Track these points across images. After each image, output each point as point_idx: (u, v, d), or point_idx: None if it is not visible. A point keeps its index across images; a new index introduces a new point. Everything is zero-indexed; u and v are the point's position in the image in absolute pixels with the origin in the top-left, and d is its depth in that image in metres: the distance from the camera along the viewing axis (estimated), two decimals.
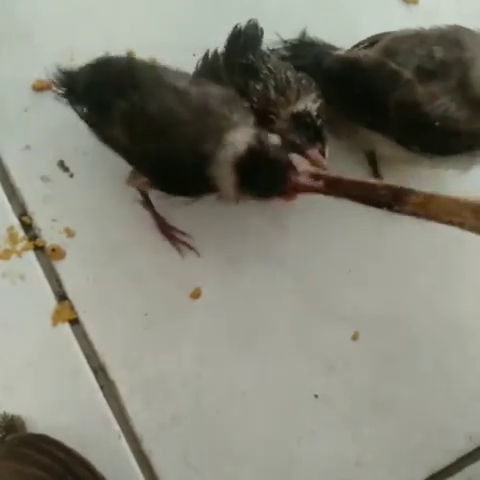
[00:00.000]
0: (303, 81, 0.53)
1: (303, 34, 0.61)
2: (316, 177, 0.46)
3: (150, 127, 0.49)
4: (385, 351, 0.57)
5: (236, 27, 0.57)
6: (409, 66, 0.51)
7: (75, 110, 0.53)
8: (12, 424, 0.51)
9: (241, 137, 0.47)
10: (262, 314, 0.57)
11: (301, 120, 0.51)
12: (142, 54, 0.59)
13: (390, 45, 0.53)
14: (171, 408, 0.55)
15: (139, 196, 0.56)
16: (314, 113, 0.51)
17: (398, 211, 0.45)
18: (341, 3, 0.66)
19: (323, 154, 0.51)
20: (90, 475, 0.45)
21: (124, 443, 0.54)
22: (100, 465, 0.49)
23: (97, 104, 0.51)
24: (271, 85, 0.53)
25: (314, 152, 0.50)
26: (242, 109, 0.50)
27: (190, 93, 0.49)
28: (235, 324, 0.57)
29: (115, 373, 0.55)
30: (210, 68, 0.57)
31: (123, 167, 0.54)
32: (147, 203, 0.56)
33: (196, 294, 0.57)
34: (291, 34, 0.60)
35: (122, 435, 0.54)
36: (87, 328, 0.55)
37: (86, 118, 0.53)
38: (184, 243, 0.57)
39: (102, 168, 0.58)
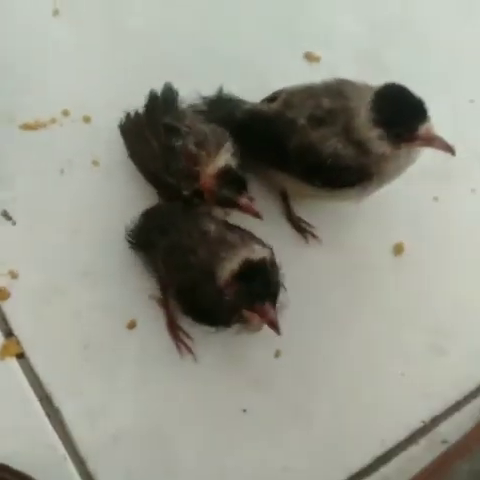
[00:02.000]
0: (217, 131, 0.61)
1: (220, 90, 0.69)
2: None
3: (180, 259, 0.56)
4: (304, 366, 0.64)
5: (152, 91, 0.65)
6: (302, 115, 0.59)
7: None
8: None
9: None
10: (192, 336, 0.63)
11: (226, 176, 0.58)
12: (77, 113, 0.67)
13: (287, 98, 0.62)
14: (113, 430, 0.60)
15: (157, 294, 0.63)
16: (236, 166, 0.58)
17: None
18: (252, 62, 0.75)
19: (251, 200, 0.58)
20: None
21: (70, 465, 0.58)
22: None
23: (144, 243, 0.61)
24: (191, 140, 0.60)
25: (245, 201, 0.57)
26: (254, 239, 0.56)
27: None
28: (167, 347, 0.62)
29: (59, 401, 0.60)
30: (134, 127, 0.65)
31: (62, 217, 0.62)
32: (164, 303, 0.63)
33: (132, 324, 0.63)
34: (209, 91, 0.69)
35: (68, 458, 0.58)
36: (32, 361, 0.60)
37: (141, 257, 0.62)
38: (185, 345, 0.63)
39: (43, 216, 0.65)
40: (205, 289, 0.54)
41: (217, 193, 0.57)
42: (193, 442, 0.61)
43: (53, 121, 0.68)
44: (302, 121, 0.59)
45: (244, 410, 0.62)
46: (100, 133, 0.68)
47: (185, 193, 0.59)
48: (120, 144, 0.68)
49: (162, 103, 0.64)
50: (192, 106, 0.68)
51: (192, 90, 0.67)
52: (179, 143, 0.59)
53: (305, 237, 0.68)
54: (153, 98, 0.65)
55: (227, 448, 0.61)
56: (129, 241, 0.62)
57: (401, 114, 0.56)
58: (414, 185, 0.70)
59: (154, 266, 0.61)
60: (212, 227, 0.57)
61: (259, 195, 0.68)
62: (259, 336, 0.62)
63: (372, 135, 0.57)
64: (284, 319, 0.62)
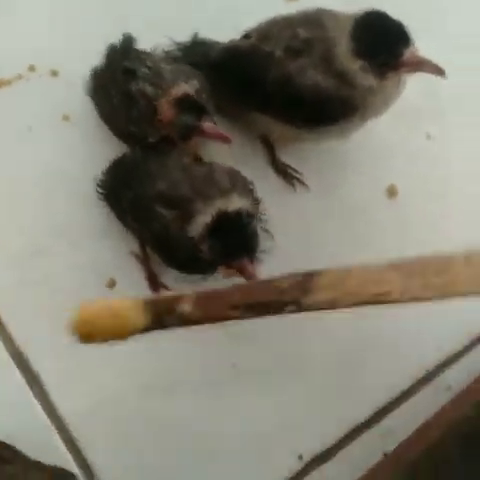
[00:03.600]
0: (184, 70, 0.57)
1: (195, 36, 0.65)
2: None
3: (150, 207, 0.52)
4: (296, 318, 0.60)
5: (111, 43, 0.61)
6: (279, 46, 0.55)
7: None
8: None
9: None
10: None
11: (183, 102, 0.54)
12: (44, 67, 0.64)
13: (262, 30, 0.58)
14: (97, 394, 0.57)
15: (137, 250, 0.60)
16: (194, 93, 0.54)
17: (308, 308, 0.35)
18: (229, 6, 0.71)
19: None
20: (15, 455, 0.46)
21: (54, 432, 0.56)
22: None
23: (112, 195, 0.58)
24: (147, 82, 0.56)
25: (208, 126, 0.54)
26: (243, 181, 0.53)
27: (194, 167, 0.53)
28: None
29: (39, 367, 0.57)
30: (97, 79, 0.61)
31: (33, 175, 0.60)
32: (144, 258, 0.59)
33: (111, 283, 0.60)
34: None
35: (51, 425, 0.56)
36: (10, 326, 0.58)
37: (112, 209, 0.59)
38: None
39: (15, 176, 0.62)
40: (179, 239, 0.50)
41: (177, 123, 0.53)
42: (183, 401, 0.57)
43: (19, 77, 0.65)
44: (279, 53, 0.55)
45: (234, 364, 0.59)
46: (70, 87, 0.64)
47: (151, 140, 0.56)
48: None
49: (120, 52, 0.60)
50: (166, 53, 0.64)
51: (166, 37, 0.64)
52: (136, 87, 0.56)
53: (292, 184, 0.64)
54: (112, 49, 0.61)
55: (218, 405, 0.58)
56: (100, 193, 0.59)
57: (383, 41, 0.52)
58: (405, 124, 0.66)
59: (124, 220, 0.57)
60: (181, 174, 0.53)
61: (242, 143, 0.65)
62: None
63: (355, 67, 0.53)
64: (274, 268, 0.59)
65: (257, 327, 0.58)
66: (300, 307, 0.33)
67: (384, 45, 0.52)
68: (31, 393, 0.57)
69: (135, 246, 0.60)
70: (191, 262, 0.51)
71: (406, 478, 0.49)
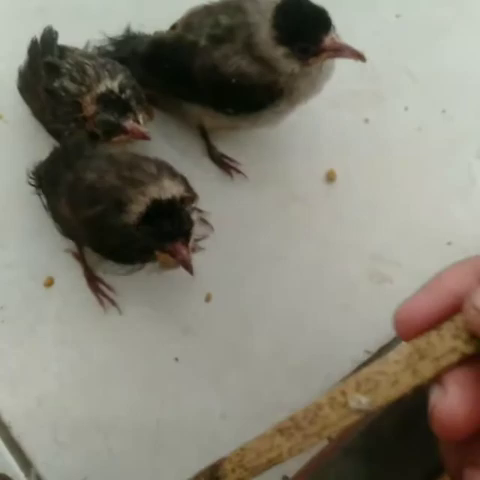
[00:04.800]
0: (108, 66, 0.56)
1: (127, 30, 0.65)
2: None
3: (84, 195, 0.52)
4: (238, 308, 0.60)
5: (32, 38, 0.60)
6: (202, 35, 0.55)
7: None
8: None
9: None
10: (114, 286, 0.60)
11: (106, 99, 0.54)
12: None
13: (186, 20, 0.57)
14: (36, 392, 0.56)
15: (73, 248, 0.59)
16: (117, 89, 0.54)
17: None
18: None
19: (138, 122, 0.54)
20: None
21: None
22: None
23: (49, 182, 0.56)
24: (70, 78, 0.56)
25: (130, 123, 0.54)
26: (168, 168, 0.52)
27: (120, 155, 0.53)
28: (89, 303, 0.59)
29: None
30: (24, 77, 0.61)
31: None
32: (80, 255, 0.59)
33: (49, 282, 0.59)
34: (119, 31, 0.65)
35: None
36: None
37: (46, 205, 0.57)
38: (107, 297, 0.59)
39: None
40: (112, 228, 0.50)
41: (99, 120, 0.53)
42: (125, 398, 0.57)
43: None
44: (203, 42, 0.55)
45: (176, 359, 0.58)
46: (3, 84, 0.64)
47: (77, 137, 0.55)
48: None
49: (42, 46, 0.59)
50: (98, 48, 0.64)
51: (99, 31, 0.63)
52: (59, 84, 0.55)
53: (229, 173, 0.64)
54: (33, 44, 0.60)
55: (162, 400, 0.57)
56: (33, 184, 0.58)
57: (303, 28, 0.52)
58: (343, 109, 0.67)
59: (59, 213, 0.56)
60: (113, 164, 0.52)
61: (179, 134, 0.65)
62: (187, 281, 0.58)
63: (277, 54, 0.53)
64: (213, 260, 0.59)
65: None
66: None
67: (304, 31, 0.52)
68: None
69: (71, 244, 0.60)
70: (126, 250, 0.50)
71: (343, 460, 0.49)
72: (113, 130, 0.53)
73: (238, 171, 0.64)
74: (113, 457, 0.56)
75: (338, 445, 0.53)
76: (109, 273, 0.56)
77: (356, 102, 0.67)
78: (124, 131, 0.53)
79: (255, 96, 0.54)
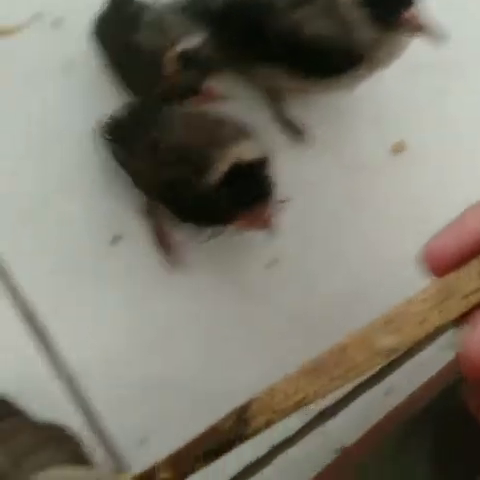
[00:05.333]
0: (187, 23, 0.55)
1: None
2: None
3: (166, 156, 0.51)
4: (302, 275, 0.60)
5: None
6: None
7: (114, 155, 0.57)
8: None
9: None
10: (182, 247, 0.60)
11: (188, 58, 0.53)
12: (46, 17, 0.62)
13: None
14: (102, 347, 0.57)
15: (143, 205, 0.59)
16: (197, 47, 0.53)
17: (250, 436, 0.36)
18: None
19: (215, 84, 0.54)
20: (7, 412, 0.47)
21: (58, 383, 0.56)
22: (36, 405, 0.53)
23: (123, 140, 0.55)
24: (153, 32, 0.55)
25: (208, 86, 0.53)
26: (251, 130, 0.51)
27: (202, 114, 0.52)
28: (156, 262, 0.59)
29: (45, 319, 0.57)
30: (102, 32, 0.60)
31: (31, 128, 0.59)
32: (150, 213, 0.59)
33: (116, 239, 0.60)
34: None
35: (55, 376, 0.56)
36: (14, 277, 0.57)
37: (117, 160, 0.56)
38: (174, 258, 0.59)
39: (9, 129, 0.60)
40: (194, 189, 0.49)
41: (178, 80, 0.52)
42: (189, 358, 0.58)
43: (22, 26, 0.63)
44: (280, 4, 0.54)
45: (239, 322, 0.59)
46: (73, 37, 0.63)
47: (154, 93, 0.55)
48: (92, 50, 0.63)
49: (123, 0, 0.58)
50: (166, 6, 0.62)
51: None
52: (140, 37, 0.54)
53: (297, 139, 0.63)
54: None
55: (227, 362, 0.58)
56: (104, 137, 0.57)
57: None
58: (419, 78, 0.65)
59: (135, 169, 0.55)
60: (196, 122, 0.52)
61: (247, 97, 0.64)
62: (254, 244, 0.59)
63: (357, 18, 0.51)
64: (280, 224, 0.59)
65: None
66: (244, 438, 0.35)
67: (387, 1, 0.51)
68: (35, 345, 0.57)
69: (140, 201, 0.60)
70: (205, 214, 0.50)
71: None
72: (192, 90, 0.53)
73: (306, 136, 0.63)
74: (175, 417, 0.56)
75: (398, 417, 0.53)
76: (183, 236, 0.56)
77: (434, 72, 0.65)
78: (202, 92, 0.52)
79: (333, 60, 0.53)
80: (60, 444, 0.42)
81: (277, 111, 0.63)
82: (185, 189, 0.50)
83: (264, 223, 0.47)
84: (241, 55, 0.59)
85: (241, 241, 0.59)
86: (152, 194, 0.56)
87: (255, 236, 0.55)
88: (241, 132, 0.50)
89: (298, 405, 0.32)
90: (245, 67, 0.60)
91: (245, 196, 0.47)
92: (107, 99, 0.61)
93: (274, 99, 0.63)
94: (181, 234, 0.59)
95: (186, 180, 0.50)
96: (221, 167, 0.47)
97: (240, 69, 0.62)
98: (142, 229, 0.60)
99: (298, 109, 0.64)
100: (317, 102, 0.64)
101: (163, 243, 0.59)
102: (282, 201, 0.52)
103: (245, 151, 0.48)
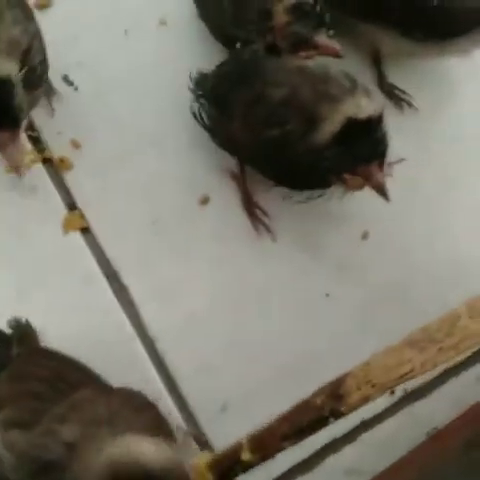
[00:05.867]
0: None
1: None
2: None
3: (270, 112, 0.48)
4: (394, 250, 0.57)
5: None
6: None
7: (200, 115, 0.54)
8: (26, 332, 0.51)
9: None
10: (272, 218, 0.57)
11: (300, 10, 0.50)
12: None
13: None
14: (185, 309, 0.55)
15: (232, 167, 0.56)
16: (312, 1, 0.50)
17: (346, 412, 0.36)
18: None
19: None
20: (85, 378, 0.44)
21: (139, 345, 0.54)
22: (115, 368, 0.50)
23: (220, 98, 0.52)
24: None
25: (322, 38, 0.50)
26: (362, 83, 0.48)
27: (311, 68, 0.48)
28: (243, 225, 0.57)
29: (128, 278, 0.55)
30: None
31: (126, 81, 0.57)
32: (240, 175, 0.56)
33: (204, 200, 0.57)
34: None
35: (136, 337, 0.54)
36: (98, 236, 0.56)
37: (209, 118, 0.53)
38: (263, 223, 0.56)
39: (106, 82, 0.59)
40: (299, 148, 0.46)
41: (290, 32, 0.49)
42: (272, 326, 0.55)
43: None
44: None
45: (327, 294, 0.56)
46: None
47: (256, 47, 0.52)
48: (190, 1, 0.60)
49: None
50: None
51: None
52: None
53: (400, 106, 0.59)
54: None
55: (310, 333, 0.55)
56: (195, 94, 0.54)
57: None
58: None
59: (228, 127, 0.52)
60: (303, 76, 0.48)
61: (347, 60, 0.60)
62: (346, 214, 0.56)
63: None
64: (369, 197, 0.55)
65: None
66: (339, 415, 0.34)
67: None
68: (118, 304, 0.55)
69: (229, 162, 0.57)
70: (308, 174, 0.47)
71: None
72: (303, 44, 0.49)
73: (409, 104, 0.59)
74: (254, 385, 0.54)
75: None
76: (273, 199, 0.54)
77: None
78: (315, 46, 0.49)
79: (458, 21, 0.49)
80: (137, 411, 0.40)
81: (379, 76, 0.60)
82: (289, 147, 0.47)
83: (377, 184, 0.44)
84: (350, 12, 0.56)
85: (333, 210, 0.56)
86: (244, 154, 0.53)
87: (350, 204, 0.52)
88: (353, 87, 0.47)
89: (402, 378, 0.30)
90: (352, 26, 0.57)
91: (361, 154, 0.44)
92: (202, 55, 0.59)
93: (377, 63, 0.60)
94: (271, 198, 0.56)
95: (291, 138, 0.47)
96: (332, 123, 0.44)
97: (345, 28, 0.58)
98: (230, 191, 0.58)
99: (401, 75, 0.60)
100: (420, 68, 0.61)
101: (250, 208, 0.57)
102: (394, 162, 0.48)
103: (359, 107, 0.44)
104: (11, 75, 0.43)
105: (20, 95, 0.43)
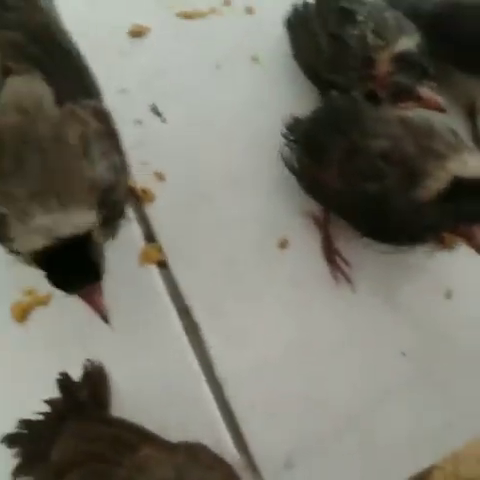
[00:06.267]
0: (402, 22, 0.51)
1: None
2: None
3: (370, 165, 0.47)
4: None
5: None
6: None
7: (289, 159, 0.54)
8: (97, 375, 0.49)
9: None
10: (352, 267, 0.55)
11: (404, 60, 0.49)
12: (239, 3, 0.59)
13: None
14: (255, 354, 0.53)
15: (314, 211, 0.55)
16: (416, 49, 0.49)
17: None
18: None
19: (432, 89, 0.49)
20: (143, 438, 0.42)
21: (204, 386, 0.53)
22: (179, 407, 0.50)
23: (314, 144, 0.51)
24: (368, 28, 0.51)
25: (426, 91, 0.48)
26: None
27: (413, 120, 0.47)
28: (321, 272, 0.55)
29: (200, 316, 0.54)
30: (301, 20, 0.56)
31: (214, 116, 0.55)
32: (323, 221, 0.55)
33: (284, 243, 0.56)
34: None
35: (203, 378, 0.53)
36: (174, 270, 0.55)
37: (299, 163, 0.53)
38: (342, 271, 0.55)
39: (194, 115, 0.58)
40: (397, 203, 0.45)
41: (392, 82, 0.48)
42: (343, 379, 0.53)
43: (213, 11, 0.61)
44: None
45: (403, 353, 0.54)
46: (263, 27, 0.60)
47: (354, 94, 0.50)
48: (284, 40, 0.59)
49: None
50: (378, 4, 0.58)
51: None
52: (353, 32, 0.50)
53: None
54: None
55: (381, 392, 0.53)
56: (286, 138, 0.54)
57: None
58: None
59: (317, 175, 0.51)
60: (404, 128, 0.47)
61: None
62: (430, 270, 0.54)
63: None
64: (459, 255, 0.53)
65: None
66: None
67: None
68: (187, 340, 0.54)
69: (311, 206, 0.56)
70: (403, 229, 0.46)
71: None
72: (405, 95, 0.48)
73: None
74: (321, 442, 0.52)
75: None
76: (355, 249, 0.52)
77: None
78: (418, 98, 0.47)
79: None
80: (209, 469, 0.38)
81: (473, 129, 0.58)
82: (387, 202, 0.45)
83: (476, 242, 0.42)
84: (448, 62, 0.54)
85: (417, 267, 0.54)
86: (333, 202, 0.52)
87: (435, 259, 0.50)
88: (457, 143, 0.45)
89: None
90: (450, 76, 0.55)
91: (465, 213, 0.42)
92: (293, 95, 0.58)
93: (471, 115, 0.58)
94: (353, 246, 0.54)
95: (390, 192, 0.45)
96: (438, 181, 0.42)
97: (441, 78, 0.56)
98: (310, 236, 0.56)
99: None
100: None
101: (330, 255, 0.55)
102: None
103: (465, 165, 0.43)
104: (91, 229, 0.39)
105: (100, 248, 0.41)
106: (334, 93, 0.52)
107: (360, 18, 0.51)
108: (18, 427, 0.44)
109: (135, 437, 0.41)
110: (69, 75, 0.42)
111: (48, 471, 0.40)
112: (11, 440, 0.44)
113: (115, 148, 0.43)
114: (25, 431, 0.44)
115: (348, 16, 0.52)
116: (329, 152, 0.49)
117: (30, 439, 0.44)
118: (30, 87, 0.40)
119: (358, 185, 0.47)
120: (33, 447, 0.43)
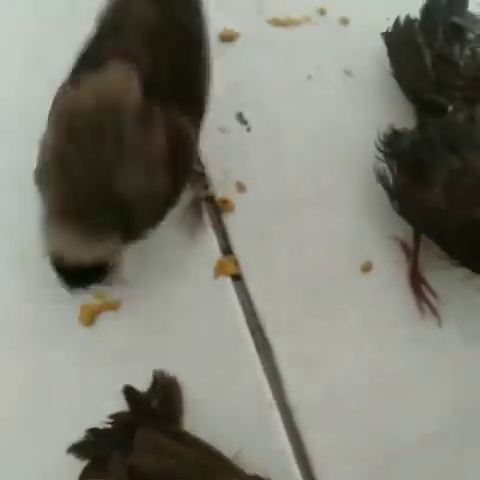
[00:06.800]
0: None
1: None
2: None
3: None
4: None
5: None
6: None
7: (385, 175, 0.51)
8: (169, 387, 0.47)
9: None
10: (440, 300, 0.52)
11: None
12: (334, 13, 0.57)
13: None
14: (330, 381, 0.50)
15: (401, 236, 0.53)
16: None
17: None
18: None
19: None
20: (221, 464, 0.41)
21: (275, 412, 0.50)
22: (246, 432, 0.47)
23: (418, 161, 0.48)
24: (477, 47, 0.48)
25: None
26: None
27: None
28: (405, 301, 0.52)
29: (273, 337, 0.51)
30: (404, 34, 0.54)
31: (302, 128, 0.53)
32: (413, 248, 0.52)
33: (367, 267, 0.53)
34: None
35: (274, 403, 0.50)
36: (249, 286, 0.52)
37: (395, 180, 0.50)
38: (429, 303, 0.51)
39: (281, 126, 0.56)
40: None
41: None
42: (423, 421, 0.49)
43: (307, 19, 0.59)
44: None
45: None
46: (358, 39, 0.58)
47: (454, 117, 0.47)
48: (379, 54, 0.57)
49: (447, 3, 0.52)
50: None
51: None
52: (463, 51, 0.47)
53: None
54: (436, 1, 0.53)
55: (458, 437, 0.49)
56: (386, 152, 0.50)
57: None
58: None
59: (417, 195, 0.48)
60: None
61: None
62: None
63: None
64: None
65: None
66: None
67: None
68: (258, 359, 0.51)
69: (399, 230, 0.53)
70: None
71: None
72: None
73: None
74: None
75: None
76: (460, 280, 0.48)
77: None
78: None
79: None
80: None
81: None
82: None
83: None
84: None
85: None
86: (430, 226, 0.49)
87: None
88: None
89: None
90: None
91: None
92: (386, 112, 0.55)
93: None
94: (443, 277, 0.51)
95: None
96: None
97: None
98: (396, 262, 0.53)
99: None
100: None
101: (417, 284, 0.52)
102: None
103: None
104: (109, 258, 0.40)
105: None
106: (451, 108, 0.49)
107: (470, 37, 0.48)
108: (85, 436, 0.42)
109: (215, 462, 0.38)
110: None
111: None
112: (79, 449, 0.42)
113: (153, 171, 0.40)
114: (92, 439, 0.42)
115: (458, 33, 0.49)
116: (435, 170, 0.46)
117: (98, 446, 0.42)
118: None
119: (465, 209, 0.43)
120: (101, 452, 0.41)
